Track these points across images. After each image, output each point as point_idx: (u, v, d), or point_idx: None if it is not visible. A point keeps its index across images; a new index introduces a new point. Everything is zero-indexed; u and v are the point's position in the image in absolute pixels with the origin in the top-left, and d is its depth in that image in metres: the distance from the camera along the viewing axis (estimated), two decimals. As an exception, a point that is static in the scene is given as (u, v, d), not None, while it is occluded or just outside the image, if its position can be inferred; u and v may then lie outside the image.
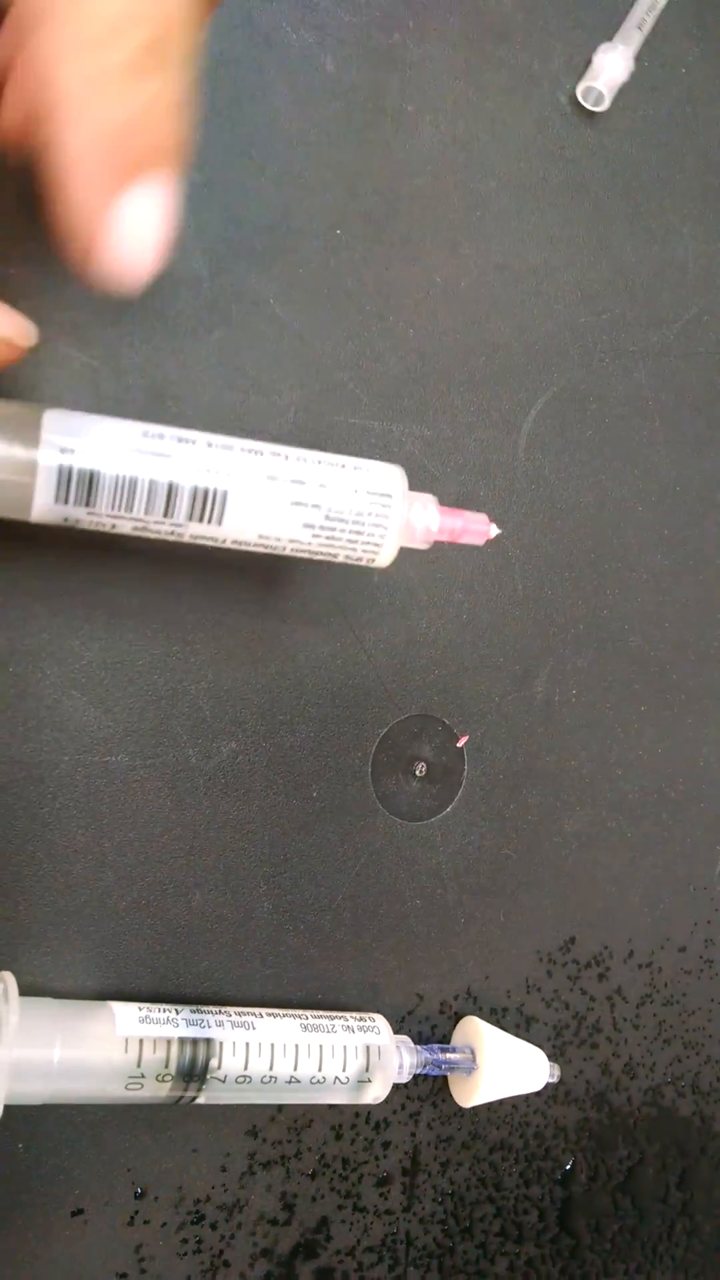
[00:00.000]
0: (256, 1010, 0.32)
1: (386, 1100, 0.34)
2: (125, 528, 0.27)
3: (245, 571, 0.33)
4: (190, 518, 0.27)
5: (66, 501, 0.26)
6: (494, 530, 0.31)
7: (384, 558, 0.30)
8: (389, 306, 0.35)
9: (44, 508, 0.26)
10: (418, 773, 0.36)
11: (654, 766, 0.40)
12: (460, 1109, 0.37)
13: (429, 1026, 0.36)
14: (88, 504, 0.27)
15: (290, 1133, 0.34)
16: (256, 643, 0.34)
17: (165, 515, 0.27)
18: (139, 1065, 0.29)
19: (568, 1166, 0.38)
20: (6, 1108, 0.28)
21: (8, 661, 0.31)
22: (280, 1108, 0.34)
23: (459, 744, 0.37)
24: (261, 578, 0.34)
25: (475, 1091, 0.35)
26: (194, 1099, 0.30)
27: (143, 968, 0.32)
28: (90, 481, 0.26)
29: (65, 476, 0.26)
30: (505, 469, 0.37)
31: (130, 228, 0.22)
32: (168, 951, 0.33)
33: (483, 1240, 0.37)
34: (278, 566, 0.34)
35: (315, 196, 0.34)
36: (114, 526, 0.27)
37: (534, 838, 0.38)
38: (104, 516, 0.27)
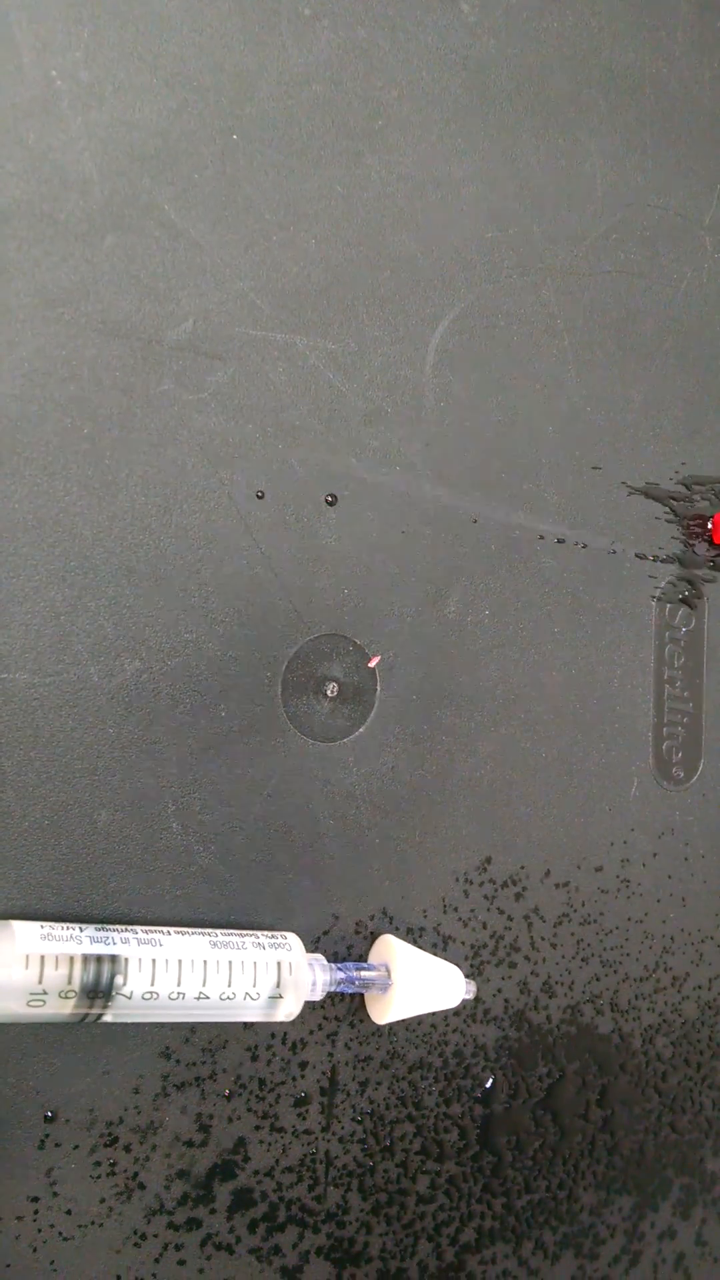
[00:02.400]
0: (164, 928, 0.32)
1: (303, 1020, 0.34)
2: None
3: (145, 487, 0.33)
4: None
5: None
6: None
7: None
8: (290, 216, 0.34)
9: None
10: (329, 693, 0.36)
11: (567, 687, 0.40)
12: (378, 1028, 0.37)
13: (345, 947, 0.36)
14: None
15: (204, 1054, 0.34)
16: (158, 558, 0.33)
17: None
18: (40, 982, 0.29)
19: (488, 1084, 0.39)
20: None
21: None
22: (193, 1029, 0.34)
23: (370, 664, 0.36)
24: (161, 494, 0.33)
25: (390, 1008, 0.35)
26: (100, 1017, 0.30)
27: (47, 889, 0.32)
28: None
29: None
30: (413, 385, 0.37)
31: None
32: (73, 873, 0.32)
33: (403, 1159, 0.37)
34: (178, 484, 0.33)
35: (209, 100, 0.33)
36: None
37: (448, 758, 0.38)
38: None
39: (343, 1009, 0.36)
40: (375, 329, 0.36)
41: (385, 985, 0.35)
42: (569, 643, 0.40)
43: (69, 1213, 0.32)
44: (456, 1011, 0.38)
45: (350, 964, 0.35)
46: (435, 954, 0.37)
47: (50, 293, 0.31)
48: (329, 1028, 0.36)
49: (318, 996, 0.33)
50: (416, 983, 0.35)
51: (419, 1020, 0.37)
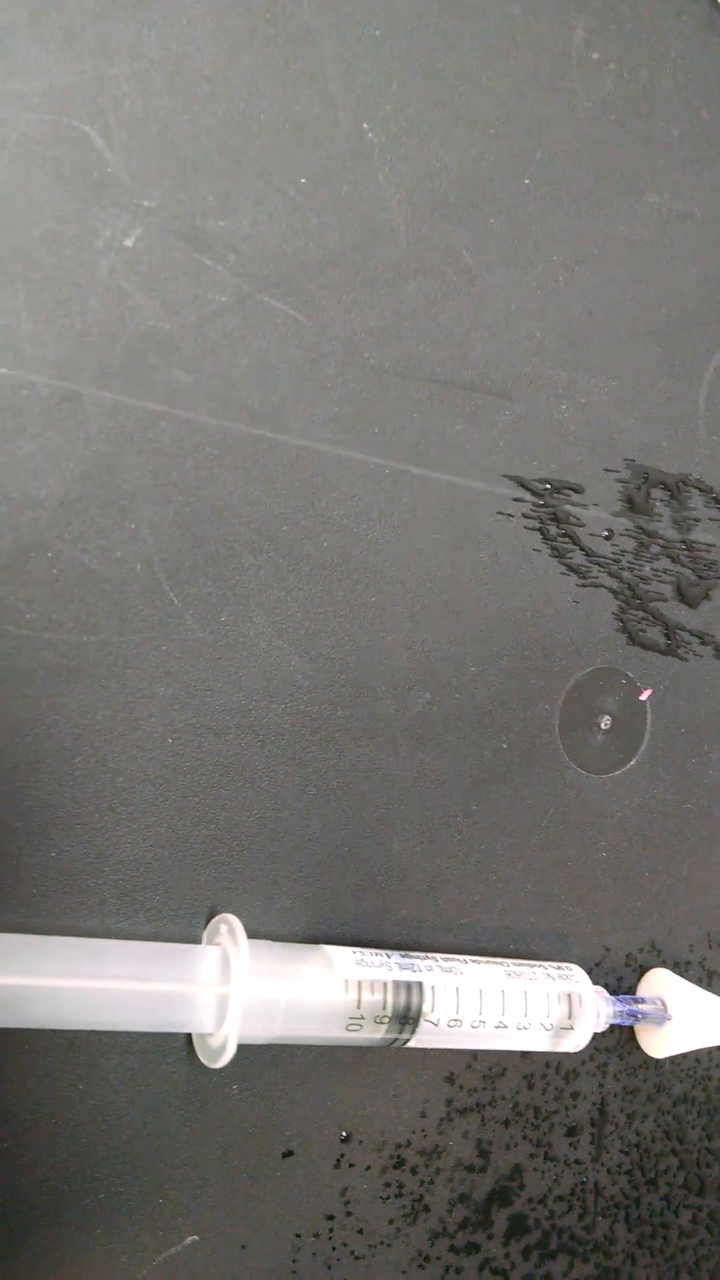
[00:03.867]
0: (461, 956, 0.32)
1: (575, 1051, 0.35)
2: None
3: (440, 525, 0.34)
4: None
5: None
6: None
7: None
8: (574, 255, 0.35)
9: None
10: (603, 726, 0.36)
11: None
12: (645, 1061, 0.37)
13: (615, 979, 0.36)
14: None
15: (485, 1081, 0.35)
16: (449, 593, 0.34)
17: None
18: (359, 1007, 0.30)
19: (749, 1121, 0.38)
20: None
21: (219, 610, 0.31)
22: (475, 1055, 0.34)
23: (642, 697, 0.37)
24: (453, 531, 0.34)
25: (667, 1042, 0.35)
26: (406, 1042, 0.31)
27: (345, 914, 0.33)
28: None
29: None
30: (687, 420, 0.37)
31: None
32: (368, 900, 0.33)
33: (667, 1192, 0.37)
34: (468, 521, 0.34)
35: (504, 146, 0.34)
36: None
37: (714, 792, 0.38)
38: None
39: (612, 1040, 0.36)
40: (651, 364, 0.36)
41: (662, 1019, 0.35)
42: None
43: (360, 1232, 0.33)
44: (721, 1047, 0.38)
45: (628, 997, 0.35)
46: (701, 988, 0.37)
47: (358, 339, 0.32)
48: (599, 1059, 0.36)
49: (601, 1029, 0.34)
50: (695, 1019, 0.35)
51: (683, 1054, 0.37)
